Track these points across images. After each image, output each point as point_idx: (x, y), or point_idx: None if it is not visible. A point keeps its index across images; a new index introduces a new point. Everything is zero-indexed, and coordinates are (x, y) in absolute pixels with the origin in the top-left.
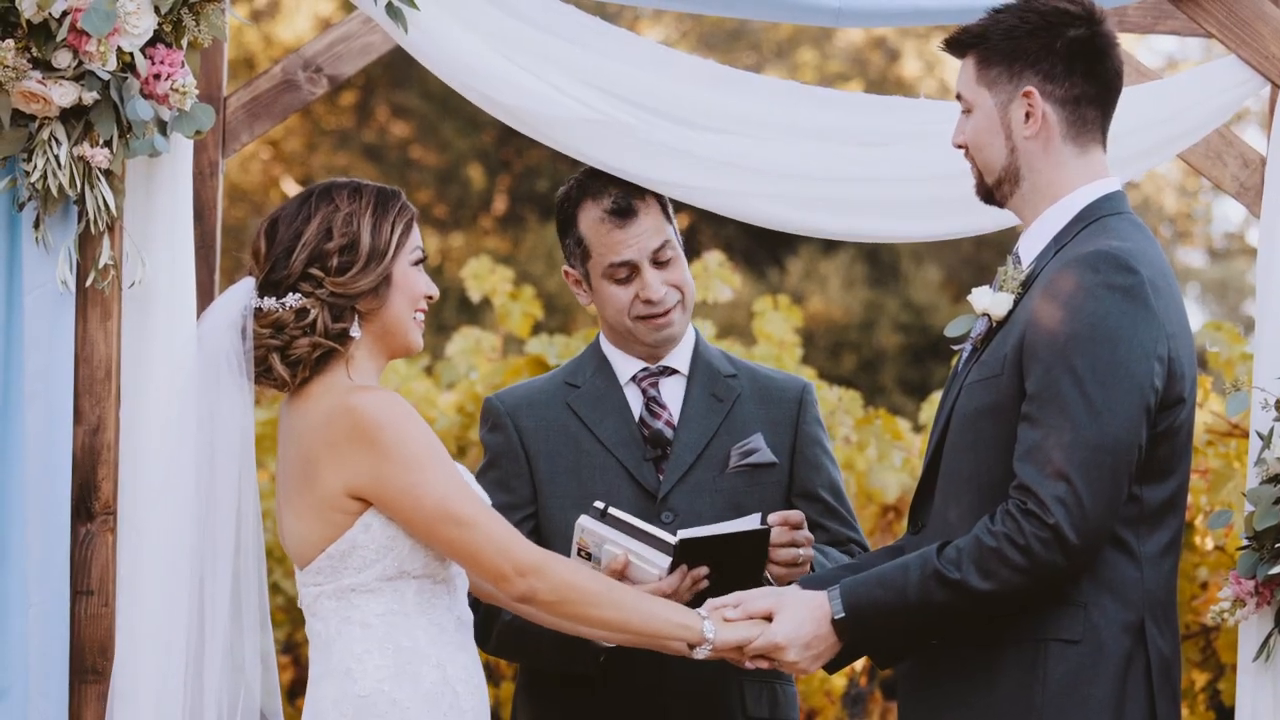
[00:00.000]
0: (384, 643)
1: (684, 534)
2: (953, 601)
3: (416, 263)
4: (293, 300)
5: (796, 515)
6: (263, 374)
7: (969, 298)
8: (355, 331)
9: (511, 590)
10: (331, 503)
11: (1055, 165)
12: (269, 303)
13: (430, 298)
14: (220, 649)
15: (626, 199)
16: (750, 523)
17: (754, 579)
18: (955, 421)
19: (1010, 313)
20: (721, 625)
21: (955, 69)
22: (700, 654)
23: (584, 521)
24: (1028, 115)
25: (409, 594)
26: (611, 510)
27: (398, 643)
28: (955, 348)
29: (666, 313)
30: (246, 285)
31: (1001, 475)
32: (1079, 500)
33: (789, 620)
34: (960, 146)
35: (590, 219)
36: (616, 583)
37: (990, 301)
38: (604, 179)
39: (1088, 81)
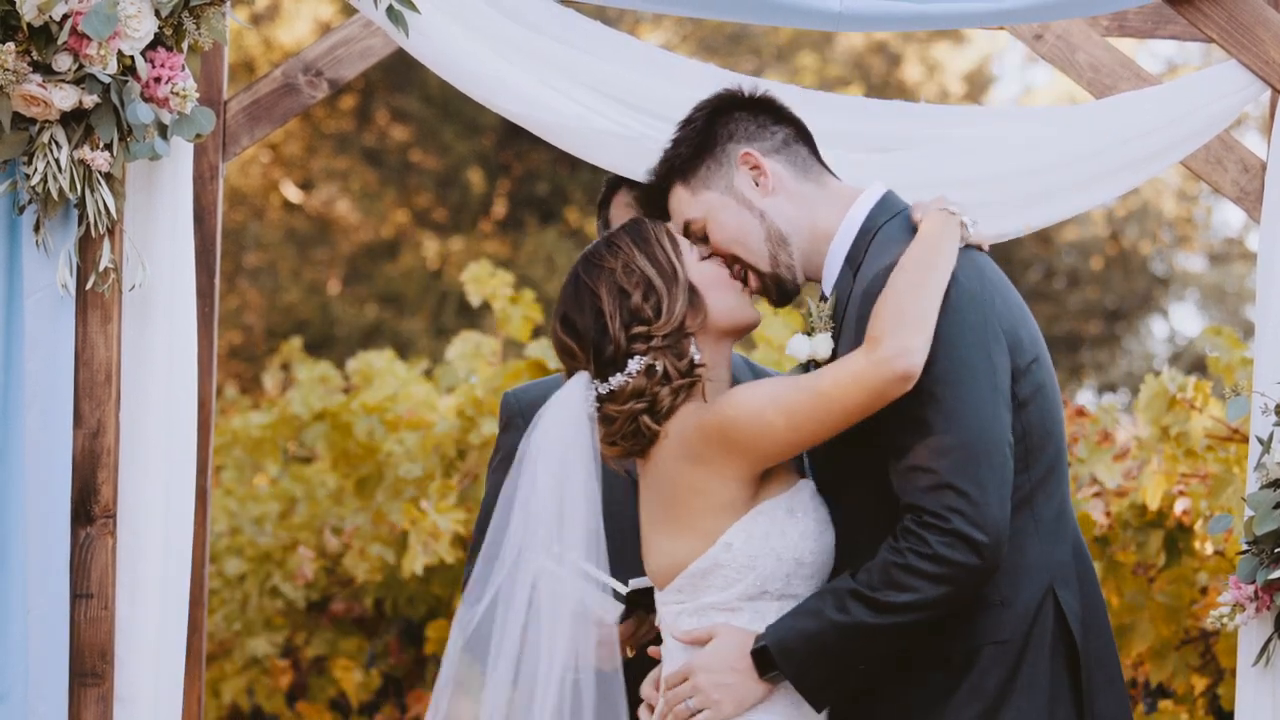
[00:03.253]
0: None
1: (636, 584)
2: (875, 619)
3: (705, 258)
4: (635, 365)
5: None
6: (629, 436)
7: (788, 351)
8: (697, 355)
9: (890, 372)
10: (724, 505)
11: (807, 208)
12: (618, 380)
13: (730, 264)
14: None
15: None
16: None
17: None
18: (817, 462)
19: (834, 350)
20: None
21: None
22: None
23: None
24: (754, 180)
25: (770, 615)
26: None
27: None
28: None
29: None
30: (581, 380)
31: (875, 501)
32: (970, 501)
33: (711, 647)
34: (731, 261)
35: (619, 205)
36: None
37: (810, 347)
38: None
39: (782, 124)
